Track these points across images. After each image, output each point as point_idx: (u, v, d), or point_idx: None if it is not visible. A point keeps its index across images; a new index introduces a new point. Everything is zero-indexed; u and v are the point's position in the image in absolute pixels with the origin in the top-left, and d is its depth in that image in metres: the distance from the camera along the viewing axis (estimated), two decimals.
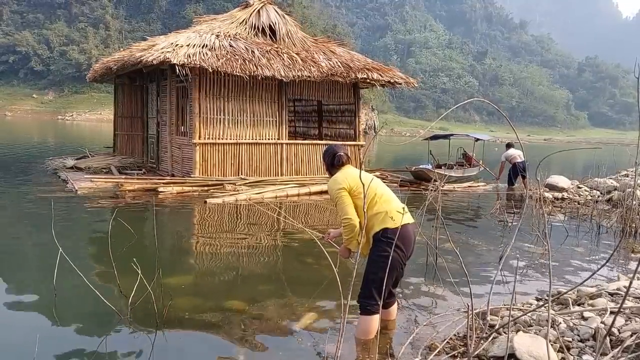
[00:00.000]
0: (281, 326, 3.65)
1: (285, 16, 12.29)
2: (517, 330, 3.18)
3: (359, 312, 3.31)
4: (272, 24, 11.72)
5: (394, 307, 3.68)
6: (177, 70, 9.60)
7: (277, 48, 11.21)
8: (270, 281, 4.82)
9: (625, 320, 3.24)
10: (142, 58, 9.85)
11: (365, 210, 3.09)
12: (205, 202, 8.60)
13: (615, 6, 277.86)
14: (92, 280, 4.00)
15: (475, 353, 2.97)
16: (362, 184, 3.01)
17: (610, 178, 11.65)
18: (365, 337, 3.28)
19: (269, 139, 11.18)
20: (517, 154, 11.95)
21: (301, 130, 16.33)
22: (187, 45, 10.01)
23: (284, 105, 11.37)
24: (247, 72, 10.15)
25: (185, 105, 11.04)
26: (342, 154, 3.47)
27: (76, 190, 9.18)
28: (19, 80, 73.90)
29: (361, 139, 12.89)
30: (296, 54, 11.19)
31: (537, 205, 7.61)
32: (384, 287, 3.03)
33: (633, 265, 5.63)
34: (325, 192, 8.92)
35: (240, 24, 11.62)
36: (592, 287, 4.08)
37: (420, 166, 13.17)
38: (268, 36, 11.67)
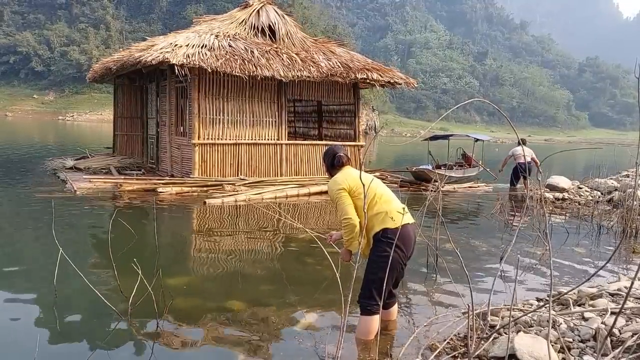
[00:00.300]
0: (281, 326, 3.64)
1: (285, 16, 12.28)
2: (518, 331, 3.18)
3: (360, 312, 3.30)
4: (271, 24, 11.72)
5: (395, 307, 3.67)
6: (176, 71, 9.59)
7: (276, 48, 11.20)
8: (271, 281, 4.81)
9: (626, 321, 3.23)
10: (141, 58, 9.85)
11: (365, 210, 3.08)
12: (205, 202, 8.59)
13: (615, 7, 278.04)
14: (92, 280, 3.99)
15: (476, 353, 2.96)
16: (363, 184, 3.00)
17: (611, 178, 11.64)
18: (366, 338, 3.28)
19: (268, 140, 11.18)
20: (523, 154, 11.36)
21: (301, 131, 16.32)
22: (186, 46, 10.01)
23: (283, 105, 11.36)
24: (246, 72, 10.14)
25: (185, 106, 11.04)
26: (342, 154, 3.48)
27: (75, 191, 9.18)
28: (20, 81, 74.00)
29: (361, 140, 12.88)
30: (296, 54, 11.18)
31: (538, 206, 7.60)
32: (384, 288, 3.03)
33: (634, 265, 5.62)
34: (325, 192, 8.93)
35: (240, 24, 11.61)
36: (592, 287, 4.07)
37: (421, 167, 13.17)
38: (268, 36, 11.66)
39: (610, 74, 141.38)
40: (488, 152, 18.33)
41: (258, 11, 11.83)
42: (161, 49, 9.88)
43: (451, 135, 16.61)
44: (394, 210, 3.23)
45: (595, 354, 2.75)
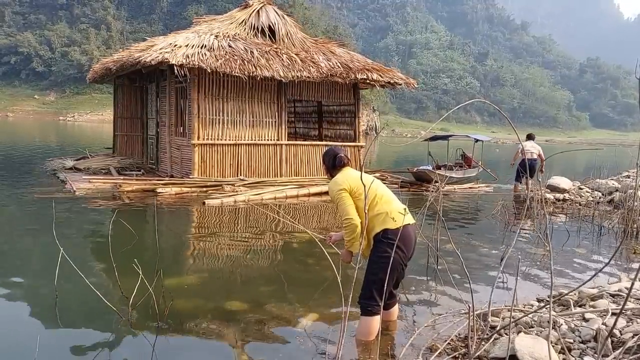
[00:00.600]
0: (282, 327, 3.64)
1: (285, 17, 12.28)
2: (519, 332, 3.17)
3: (360, 313, 3.30)
4: (271, 25, 11.72)
5: (395, 308, 3.67)
6: (176, 71, 9.59)
7: (276, 48, 11.20)
8: (271, 282, 4.80)
9: (627, 322, 3.22)
10: (140, 59, 9.84)
11: (366, 211, 3.08)
12: (204, 203, 8.58)
13: (616, 7, 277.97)
14: (92, 281, 3.99)
15: (476, 354, 2.95)
16: (363, 185, 3.00)
17: (612, 179, 11.63)
18: (366, 338, 3.27)
19: (268, 140, 11.17)
20: (530, 151, 11.13)
21: (301, 131, 16.31)
22: (186, 46, 10.00)
23: (283, 105, 11.36)
24: (246, 72, 10.14)
25: (185, 106, 11.03)
26: (342, 155, 3.48)
27: (74, 191, 9.17)
28: (21, 81, 74.10)
29: (361, 140, 12.88)
30: (295, 54, 11.18)
31: (539, 207, 7.59)
32: (384, 288, 3.03)
33: (634, 266, 5.61)
34: (325, 193, 8.93)
35: (240, 24, 11.61)
36: (593, 288, 4.06)
37: (421, 167, 13.16)
38: (267, 37, 11.66)
39: (611, 74, 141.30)
40: (489, 152, 18.32)
41: (258, 11, 11.83)
42: (160, 49, 9.87)
43: (451, 135, 16.61)
44: (394, 211, 3.22)
45: (596, 355, 2.74)
